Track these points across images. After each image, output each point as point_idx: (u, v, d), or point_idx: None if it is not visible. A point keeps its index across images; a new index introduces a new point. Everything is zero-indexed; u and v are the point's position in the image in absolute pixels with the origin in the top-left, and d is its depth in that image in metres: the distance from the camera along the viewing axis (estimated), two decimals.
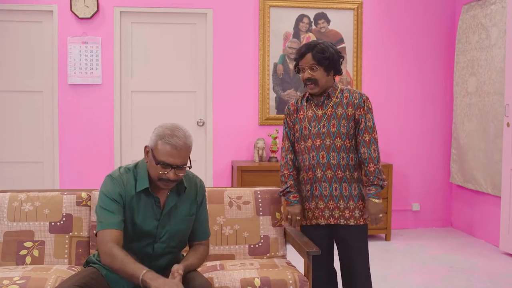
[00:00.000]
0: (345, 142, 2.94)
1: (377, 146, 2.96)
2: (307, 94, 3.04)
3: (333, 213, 2.96)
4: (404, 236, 5.72)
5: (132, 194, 2.51)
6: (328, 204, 2.96)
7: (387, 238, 5.51)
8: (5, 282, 2.60)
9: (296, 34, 5.73)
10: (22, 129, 5.52)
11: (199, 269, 2.86)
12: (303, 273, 2.92)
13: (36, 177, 5.53)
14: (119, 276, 2.48)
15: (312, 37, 5.73)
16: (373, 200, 2.92)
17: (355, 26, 5.79)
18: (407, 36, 5.94)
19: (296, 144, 3.06)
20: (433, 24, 5.98)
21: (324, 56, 2.90)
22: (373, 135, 2.95)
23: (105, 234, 2.42)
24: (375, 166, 2.92)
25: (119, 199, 2.48)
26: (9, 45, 5.46)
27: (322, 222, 2.99)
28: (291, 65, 5.73)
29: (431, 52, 5.99)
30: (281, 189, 3.11)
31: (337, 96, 2.97)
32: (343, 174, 2.94)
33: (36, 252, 2.96)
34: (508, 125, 4.92)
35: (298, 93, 5.73)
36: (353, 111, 2.94)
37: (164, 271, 2.51)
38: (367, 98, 2.99)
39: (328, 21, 5.76)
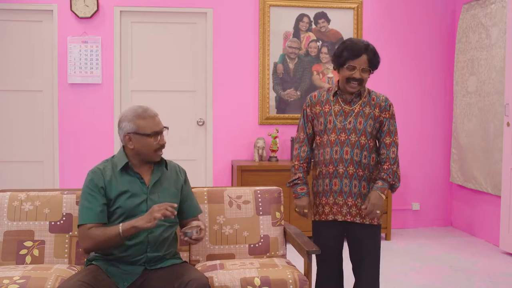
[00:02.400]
0: (369, 141, 2.97)
1: (397, 149, 3.01)
2: (333, 89, 3.03)
3: (351, 210, 2.97)
4: (404, 235, 5.72)
5: (111, 175, 2.70)
6: (346, 201, 2.97)
7: (387, 237, 5.51)
8: (5, 281, 2.60)
9: (296, 33, 5.72)
10: (22, 128, 5.52)
11: (198, 268, 2.87)
12: (303, 273, 2.92)
13: (36, 176, 5.53)
14: (121, 273, 2.56)
15: (312, 36, 5.73)
16: (377, 191, 2.92)
17: (355, 25, 5.79)
18: (407, 35, 5.94)
19: (318, 137, 3.05)
20: (433, 23, 5.98)
21: (377, 60, 2.96)
22: (394, 138, 3.02)
23: (84, 228, 2.62)
24: (390, 166, 2.96)
25: (95, 188, 2.67)
26: (9, 44, 5.46)
27: (340, 218, 2.99)
28: (291, 65, 5.72)
29: (431, 51, 5.99)
30: (289, 180, 3.10)
31: (365, 96, 3.01)
32: (363, 172, 2.97)
33: (36, 252, 2.96)
34: (508, 124, 4.92)
35: (298, 93, 5.73)
36: (379, 113, 3.00)
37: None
38: (392, 104, 3.07)
39: (328, 21, 5.76)
